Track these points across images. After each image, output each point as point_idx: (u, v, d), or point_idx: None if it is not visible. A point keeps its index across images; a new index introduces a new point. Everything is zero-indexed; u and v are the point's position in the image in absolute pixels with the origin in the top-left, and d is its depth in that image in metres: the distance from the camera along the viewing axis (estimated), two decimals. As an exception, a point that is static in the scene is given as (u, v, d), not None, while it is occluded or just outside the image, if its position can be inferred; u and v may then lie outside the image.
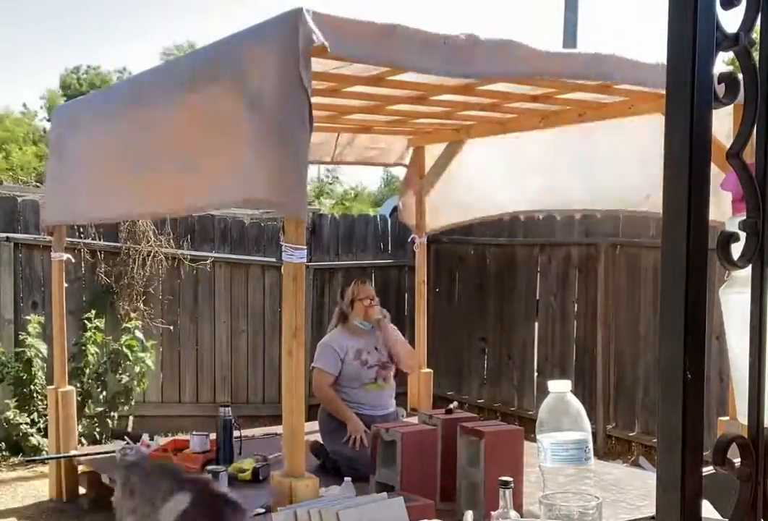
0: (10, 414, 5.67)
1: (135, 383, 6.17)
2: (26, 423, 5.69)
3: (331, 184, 17.83)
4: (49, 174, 5.07)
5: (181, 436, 5.54)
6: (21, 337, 5.83)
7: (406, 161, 6.05)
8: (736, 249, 0.91)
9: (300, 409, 3.19)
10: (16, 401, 5.75)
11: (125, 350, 6.09)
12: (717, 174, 0.97)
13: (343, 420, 4.46)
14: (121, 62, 56.24)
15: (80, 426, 5.56)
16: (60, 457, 4.92)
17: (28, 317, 5.91)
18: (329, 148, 5.68)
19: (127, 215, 4.95)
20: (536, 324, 6.81)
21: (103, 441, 5.95)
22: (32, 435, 5.67)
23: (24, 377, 5.76)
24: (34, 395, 5.79)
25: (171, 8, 61.36)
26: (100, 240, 6.38)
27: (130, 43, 56.48)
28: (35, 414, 5.76)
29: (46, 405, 5.36)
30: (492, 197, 5.74)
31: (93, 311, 6.10)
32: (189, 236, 6.74)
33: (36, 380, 5.79)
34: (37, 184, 9.52)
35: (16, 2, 46.07)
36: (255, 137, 3.13)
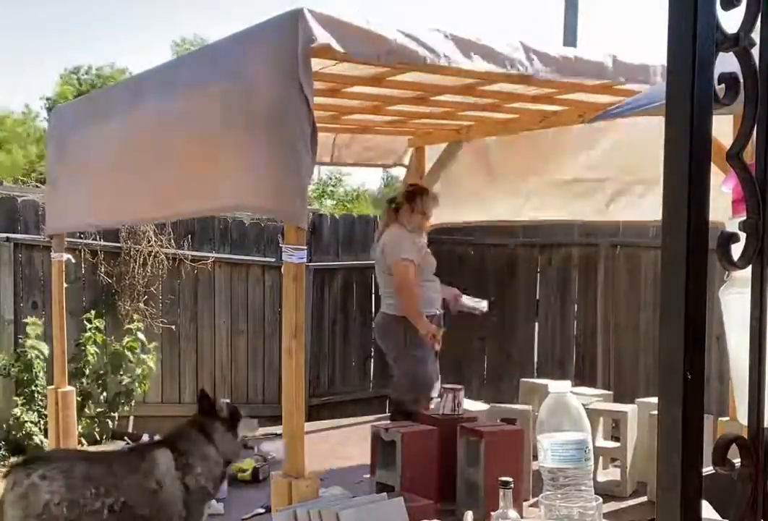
0: (17, 410, 5.67)
1: (136, 384, 6.17)
2: (31, 422, 5.70)
3: (334, 186, 17.79)
4: (49, 180, 5.05)
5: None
6: (20, 339, 5.84)
7: (406, 162, 6.04)
8: (736, 249, 0.91)
9: (300, 410, 3.18)
10: (24, 399, 5.76)
11: (127, 352, 6.10)
12: (717, 174, 0.97)
13: (414, 318, 4.64)
14: (125, 59, 56.13)
15: (80, 426, 5.57)
16: (60, 457, 4.92)
17: (28, 318, 5.92)
18: (327, 148, 5.67)
19: (125, 220, 4.94)
20: (536, 324, 6.82)
21: (103, 441, 5.95)
22: (35, 435, 5.68)
23: (25, 378, 5.77)
24: (35, 395, 5.80)
25: (179, 2, 60.92)
26: (100, 241, 6.39)
27: (135, 40, 56.36)
28: (36, 414, 5.77)
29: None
30: (487, 202, 5.75)
31: (93, 312, 6.10)
32: (189, 237, 6.75)
33: (37, 381, 5.80)
34: (37, 184, 9.52)
35: (16, 1, 46.05)
36: (254, 141, 3.13)
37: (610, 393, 4.71)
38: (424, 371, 4.71)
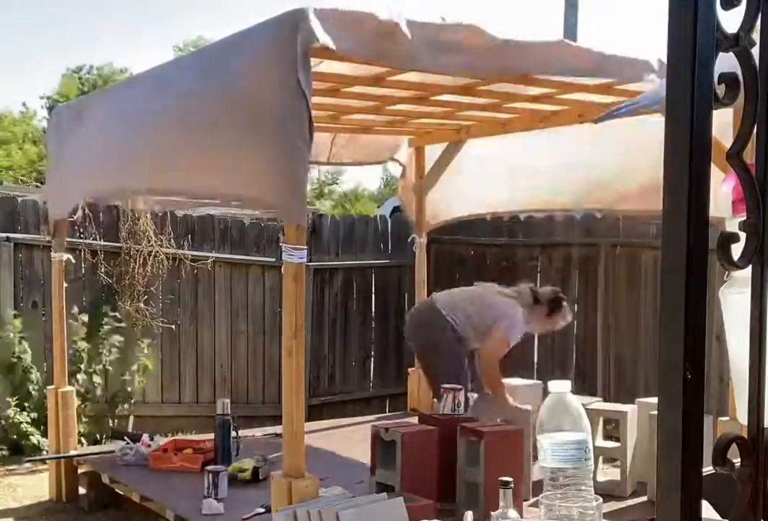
0: (10, 412, 5.67)
1: (135, 382, 6.16)
2: (27, 422, 5.70)
3: (330, 185, 17.84)
4: (49, 173, 5.06)
5: (181, 436, 5.55)
6: (8, 338, 5.84)
7: (399, 157, 6.03)
8: (737, 249, 0.91)
9: (300, 410, 3.19)
10: (16, 399, 5.76)
11: (123, 348, 6.09)
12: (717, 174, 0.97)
13: (497, 390, 4.62)
14: (125, 59, 56.12)
15: (80, 426, 5.56)
16: (60, 457, 4.92)
17: (25, 318, 5.92)
18: (325, 148, 5.66)
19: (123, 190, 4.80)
20: (536, 324, 6.81)
21: (103, 441, 5.95)
22: (32, 435, 5.68)
23: (22, 377, 5.78)
24: (33, 394, 5.80)
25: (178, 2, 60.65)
26: (100, 240, 6.38)
27: (136, 40, 56.25)
28: (36, 414, 5.76)
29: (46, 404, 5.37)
30: (485, 196, 5.77)
31: (92, 311, 6.10)
32: (189, 236, 6.74)
33: (33, 380, 5.80)
34: (37, 184, 9.53)
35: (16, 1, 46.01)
36: (254, 140, 3.13)
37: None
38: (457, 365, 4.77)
